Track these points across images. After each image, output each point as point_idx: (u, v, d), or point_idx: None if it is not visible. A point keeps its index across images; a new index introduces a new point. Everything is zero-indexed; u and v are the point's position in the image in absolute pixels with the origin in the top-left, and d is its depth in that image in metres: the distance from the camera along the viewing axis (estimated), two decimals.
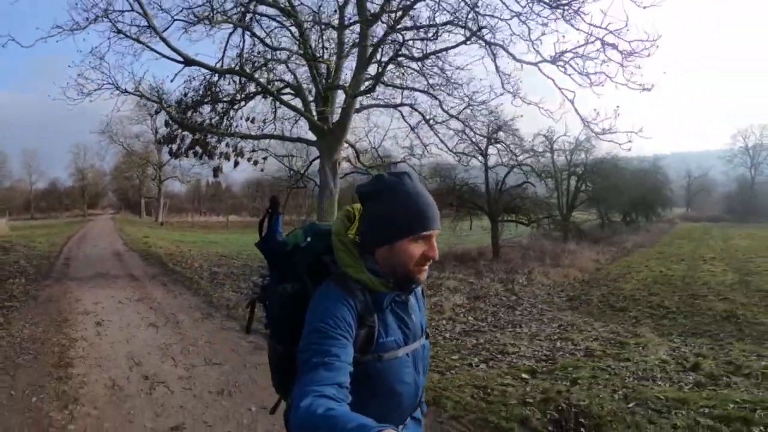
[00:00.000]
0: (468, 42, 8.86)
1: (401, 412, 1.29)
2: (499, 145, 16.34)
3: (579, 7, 7.75)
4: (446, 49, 9.28)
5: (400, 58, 9.49)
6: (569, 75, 8.55)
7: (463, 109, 10.67)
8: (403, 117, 11.37)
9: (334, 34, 10.45)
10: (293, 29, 10.10)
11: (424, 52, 9.39)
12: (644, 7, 7.44)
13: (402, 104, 10.97)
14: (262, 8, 10.17)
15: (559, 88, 8.74)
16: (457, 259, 14.87)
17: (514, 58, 8.82)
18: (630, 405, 3.80)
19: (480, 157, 16.65)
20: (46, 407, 3.67)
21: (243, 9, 9.67)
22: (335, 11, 10.32)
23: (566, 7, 7.86)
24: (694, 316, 8.35)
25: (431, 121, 11.09)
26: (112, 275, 10.49)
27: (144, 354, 4.94)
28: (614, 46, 7.72)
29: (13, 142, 73.21)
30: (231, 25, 9.64)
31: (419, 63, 9.69)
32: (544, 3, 8.11)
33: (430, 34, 8.99)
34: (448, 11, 9.05)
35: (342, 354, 1.06)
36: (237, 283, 9.07)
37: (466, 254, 16.03)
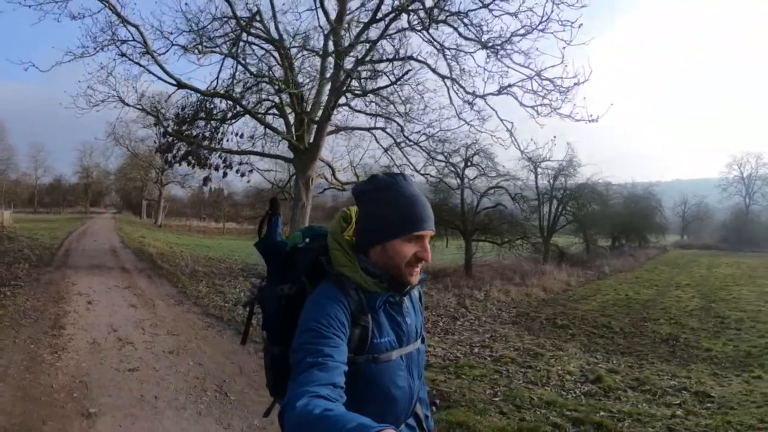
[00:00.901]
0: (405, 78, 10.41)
1: (396, 416, 1.29)
2: (473, 169, 17.89)
3: (509, 48, 9.19)
4: (394, 83, 10.77)
5: (348, 93, 10.93)
6: (523, 105, 9.87)
7: (421, 135, 12.04)
8: (376, 140, 12.81)
9: (317, 61, 11.94)
10: (278, 55, 11.55)
11: (391, 80, 10.83)
12: (571, 44, 8.67)
13: (374, 128, 12.42)
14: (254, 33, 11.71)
15: (501, 120, 10.25)
16: (432, 274, 16.05)
17: (464, 90, 10.30)
18: (496, 398, 4.43)
19: (457, 180, 18.18)
20: (40, 352, 5.01)
21: (234, 38, 11.18)
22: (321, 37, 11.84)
23: (497, 48, 9.32)
24: (634, 338, 8.98)
25: (402, 144, 12.47)
26: (107, 267, 11.88)
27: (121, 324, 6.28)
28: (552, 81, 9.11)
29: (21, 135, 75.09)
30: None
31: (372, 93, 11.14)
32: (477, 41, 9.58)
33: (395, 68, 10.51)
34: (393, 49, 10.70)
35: (336, 354, 1.07)
36: (212, 281, 10.42)
37: (442, 270, 17.24)
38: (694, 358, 7.59)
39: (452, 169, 17.54)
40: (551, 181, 25.76)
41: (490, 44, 9.40)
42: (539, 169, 25.59)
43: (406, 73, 10.53)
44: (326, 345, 1.07)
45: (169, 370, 4.66)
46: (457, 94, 10.50)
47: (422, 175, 13.23)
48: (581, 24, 8.14)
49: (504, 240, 18.96)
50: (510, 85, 9.64)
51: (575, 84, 8.82)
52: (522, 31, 8.92)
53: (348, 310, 1.17)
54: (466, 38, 9.76)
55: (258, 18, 11.49)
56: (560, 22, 8.23)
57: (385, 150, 12.87)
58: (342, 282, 1.20)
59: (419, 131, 11.93)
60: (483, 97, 10.22)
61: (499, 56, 9.37)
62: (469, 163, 17.87)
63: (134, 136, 39.32)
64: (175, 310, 7.46)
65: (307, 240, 1.34)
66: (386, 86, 10.81)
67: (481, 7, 9.19)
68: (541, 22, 8.45)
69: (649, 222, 36.81)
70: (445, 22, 9.85)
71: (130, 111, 12.00)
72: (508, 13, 9.14)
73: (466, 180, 18.17)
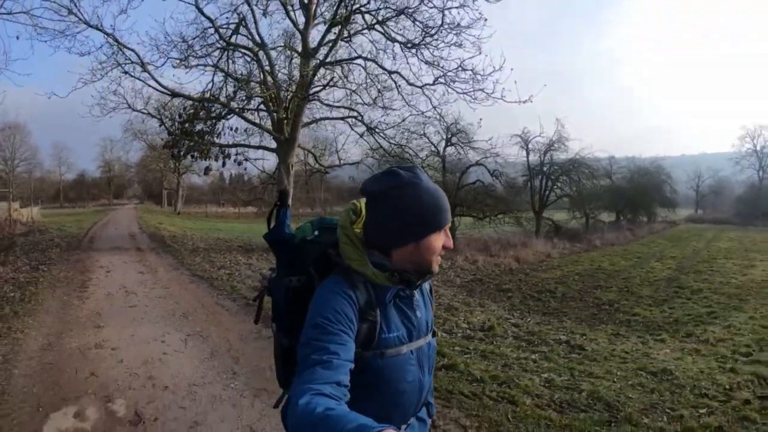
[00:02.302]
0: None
1: (404, 411, 1.31)
2: (452, 148, 19.70)
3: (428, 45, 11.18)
4: (340, 79, 12.90)
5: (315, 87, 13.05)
6: (461, 94, 11.81)
7: (383, 124, 14.06)
8: (351, 127, 14.77)
9: (295, 62, 13.91)
10: (261, 59, 13.54)
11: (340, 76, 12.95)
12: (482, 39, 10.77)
13: (347, 117, 14.35)
14: (240, 39, 13.70)
15: (434, 106, 12.42)
16: None
17: (407, 82, 12.28)
18: None
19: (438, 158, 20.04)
20: (71, 300, 7.21)
21: (221, 48, 13.21)
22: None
23: (418, 47, 11.27)
24: (570, 302, 10.08)
25: (373, 131, 14.39)
26: (125, 248, 14.25)
27: (129, 284, 8.50)
28: (472, 71, 11.05)
29: (44, 135, 78.98)
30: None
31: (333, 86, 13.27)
32: (400, 44, 11.57)
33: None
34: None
35: (341, 351, 1.07)
36: (209, 254, 12.64)
37: None
38: (614, 321, 8.53)
39: (434, 149, 19.45)
40: (541, 157, 27.11)
41: (415, 43, 11.34)
42: (530, 145, 27.17)
43: (350, 65, 12.63)
44: (332, 342, 1.07)
45: (156, 307, 6.82)
46: (405, 83, 12.50)
47: (391, 156, 15.04)
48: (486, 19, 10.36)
49: (485, 214, 20.59)
50: (442, 75, 11.55)
51: (492, 71, 10.71)
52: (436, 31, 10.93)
53: (356, 304, 1.17)
54: (393, 40, 11.76)
55: (244, 24, 13.48)
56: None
57: (360, 135, 14.78)
58: (350, 276, 1.21)
59: (381, 120, 13.87)
60: (422, 87, 12.11)
61: (419, 53, 11.38)
62: (449, 143, 19.72)
63: (151, 130, 41.87)
64: (171, 273, 9.69)
65: (317, 232, 1.34)
66: (329, 84, 12.85)
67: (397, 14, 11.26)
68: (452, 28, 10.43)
69: (657, 196, 37.27)
70: (371, 29, 11.92)
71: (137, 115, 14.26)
72: (435, 7, 11.15)
73: (447, 157, 20.03)
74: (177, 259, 11.75)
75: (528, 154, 27.28)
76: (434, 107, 12.34)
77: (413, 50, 11.51)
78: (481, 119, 13.83)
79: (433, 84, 11.88)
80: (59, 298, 7.33)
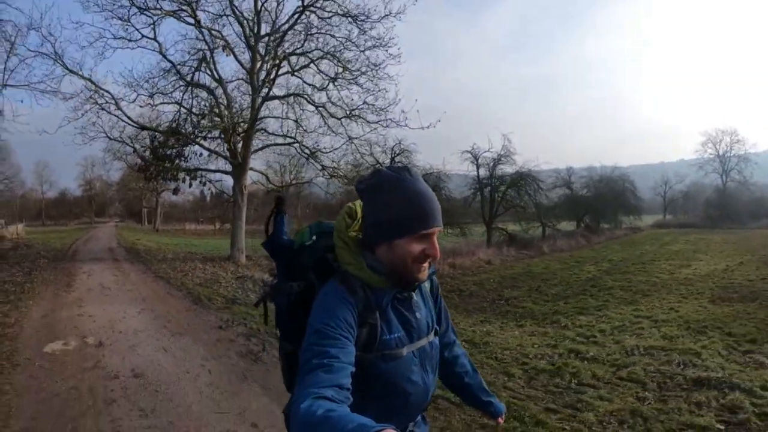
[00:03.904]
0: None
1: (409, 411, 1.35)
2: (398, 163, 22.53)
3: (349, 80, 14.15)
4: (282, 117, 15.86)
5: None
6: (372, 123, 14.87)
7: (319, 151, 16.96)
8: (297, 151, 17.58)
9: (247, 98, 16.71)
10: (217, 93, 16.29)
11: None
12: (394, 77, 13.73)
13: (290, 143, 17.11)
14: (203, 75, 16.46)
15: (350, 137, 15.46)
16: None
17: (330, 114, 15.29)
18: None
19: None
20: (60, 292, 9.74)
21: (184, 85, 15.93)
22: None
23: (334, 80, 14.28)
24: (471, 298, 11.67)
25: (317, 153, 17.13)
26: (104, 259, 16.75)
27: (105, 282, 11.05)
28: (372, 105, 14.08)
29: (26, 152, 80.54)
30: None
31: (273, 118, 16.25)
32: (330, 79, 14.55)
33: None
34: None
35: (342, 355, 1.10)
36: (173, 263, 15.19)
37: None
38: (495, 311, 9.95)
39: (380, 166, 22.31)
40: (490, 170, 29.25)
41: (335, 77, 14.39)
42: (480, 160, 29.84)
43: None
44: (332, 346, 1.10)
45: (123, 295, 9.43)
46: (330, 116, 15.55)
47: (328, 177, 17.79)
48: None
49: None
50: (354, 108, 14.60)
51: (389, 105, 13.96)
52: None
53: (355, 309, 1.20)
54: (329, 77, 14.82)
55: (205, 62, 16.21)
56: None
57: (307, 158, 17.53)
58: (348, 280, 1.24)
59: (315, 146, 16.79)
60: (340, 119, 15.10)
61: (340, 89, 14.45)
62: (393, 162, 22.55)
63: (130, 151, 44.13)
64: (140, 276, 12.28)
65: (314, 237, 1.38)
66: (275, 117, 15.92)
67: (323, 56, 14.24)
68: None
69: (620, 203, 39.07)
70: (305, 68, 14.98)
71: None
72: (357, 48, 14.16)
73: None
74: (146, 266, 14.33)
75: (478, 168, 29.82)
76: (350, 138, 15.32)
77: (337, 84, 14.56)
78: (414, 143, 16.47)
79: (345, 118, 14.96)
80: (51, 291, 9.89)
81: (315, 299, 1.23)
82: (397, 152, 22.27)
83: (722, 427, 4.11)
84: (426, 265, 1.27)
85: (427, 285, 1.44)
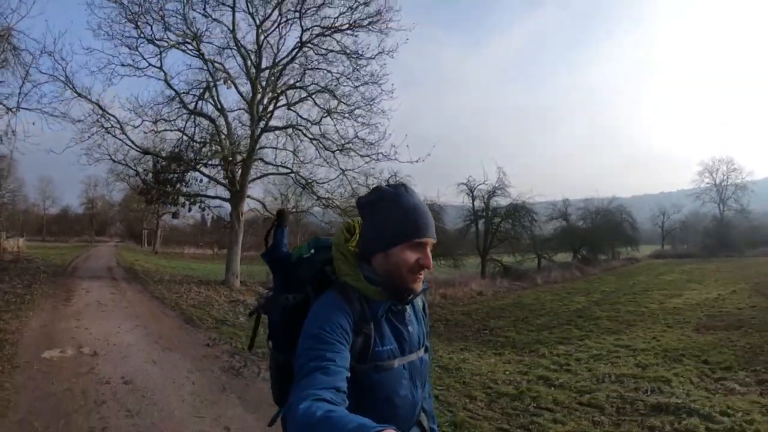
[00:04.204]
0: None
1: (397, 425, 1.24)
2: None
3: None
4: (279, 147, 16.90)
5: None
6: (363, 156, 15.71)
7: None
8: (294, 180, 18.27)
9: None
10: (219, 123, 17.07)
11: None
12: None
13: (287, 173, 17.82)
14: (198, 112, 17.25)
15: (342, 170, 16.44)
16: None
17: (324, 147, 16.21)
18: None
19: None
20: (58, 306, 10.21)
21: (188, 113, 16.70)
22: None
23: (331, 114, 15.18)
24: (456, 327, 12.09)
25: (313, 184, 17.76)
26: (103, 277, 17.22)
27: (103, 299, 11.49)
28: (363, 139, 14.97)
29: (30, 166, 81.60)
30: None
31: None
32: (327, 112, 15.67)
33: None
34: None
35: (338, 359, 1.13)
36: (169, 284, 15.65)
37: None
38: (477, 340, 10.29)
39: None
40: (485, 202, 29.86)
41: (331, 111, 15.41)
42: (475, 192, 30.36)
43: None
44: (329, 350, 1.14)
45: (119, 311, 9.89)
46: (324, 149, 16.40)
47: (328, 208, 18.40)
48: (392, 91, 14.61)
49: None
50: (348, 142, 15.46)
51: (380, 139, 15.28)
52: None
53: (351, 318, 1.24)
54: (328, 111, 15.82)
55: (209, 92, 17.03)
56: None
57: (303, 188, 18.19)
58: (346, 291, 1.28)
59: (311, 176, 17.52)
60: (333, 152, 15.95)
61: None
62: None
63: (133, 173, 44.97)
64: (136, 295, 12.76)
65: (313, 251, 1.43)
66: (275, 147, 16.76)
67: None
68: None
69: (617, 234, 39.37)
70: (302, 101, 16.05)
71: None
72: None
73: None
74: (143, 286, 14.81)
75: (473, 199, 30.23)
76: (342, 170, 16.16)
77: (333, 117, 15.57)
78: (409, 176, 17.22)
79: (338, 151, 15.80)
80: (50, 303, 10.38)
81: (311, 308, 1.28)
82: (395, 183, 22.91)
83: None
84: (421, 276, 1.33)
85: (419, 302, 1.49)
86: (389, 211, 1.30)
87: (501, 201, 29.96)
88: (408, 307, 1.40)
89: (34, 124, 14.31)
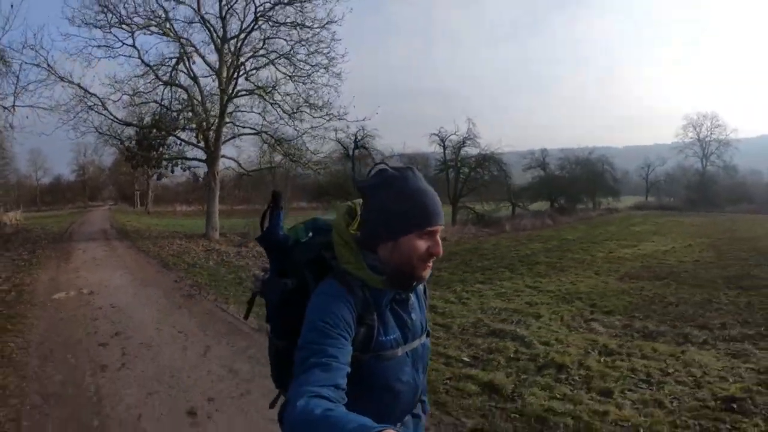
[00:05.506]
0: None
1: (399, 410, 1.38)
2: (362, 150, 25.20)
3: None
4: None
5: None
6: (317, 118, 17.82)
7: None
8: (263, 141, 20.24)
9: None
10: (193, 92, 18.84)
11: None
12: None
13: (259, 132, 19.71)
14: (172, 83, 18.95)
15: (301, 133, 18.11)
16: None
17: (282, 110, 18.22)
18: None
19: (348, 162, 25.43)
20: (61, 263, 12.48)
21: (162, 87, 18.45)
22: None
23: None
24: None
25: (282, 141, 19.74)
26: (97, 238, 19.48)
27: (97, 256, 13.76)
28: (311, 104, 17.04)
29: (20, 140, 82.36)
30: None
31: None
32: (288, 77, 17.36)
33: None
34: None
35: (340, 355, 1.11)
36: (156, 240, 17.94)
37: None
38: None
39: (344, 151, 24.91)
40: (456, 152, 31.99)
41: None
42: (446, 142, 32.36)
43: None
44: (331, 345, 1.11)
45: (111, 264, 12.19)
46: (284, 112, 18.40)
47: (293, 161, 20.46)
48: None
49: None
50: (300, 106, 17.36)
51: (330, 102, 17.31)
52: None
53: (354, 309, 1.21)
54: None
55: (183, 61, 18.67)
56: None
57: (273, 148, 20.19)
58: (347, 280, 1.24)
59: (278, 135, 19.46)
60: (289, 114, 18.05)
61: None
62: (357, 145, 25.15)
63: (122, 135, 46.49)
64: (126, 250, 15.08)
65: (311, 234, 1.36)
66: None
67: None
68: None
69: (598, 185, 40.65)
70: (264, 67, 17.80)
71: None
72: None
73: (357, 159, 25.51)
74: (132, 242, 17.13)
75: (444, 149, 32.45)
76: (298, 132, 18.24)
77: (295, 80, 17.56)
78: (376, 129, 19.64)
79: (294, 113, 17.78)
80: (54, 263, 12.67)
81: (312, 297, 1.23)
82: (360, 137, 24.77)
83: (467, 359, 4.98)
84: (430, 264, 1.29)
85: (420, 287, 1.47)
86: (397, 198, 1.24)
87: (471, 151, 31.80)
88: (411, 295, 1.39)
89: (27, 117, 16.17)
